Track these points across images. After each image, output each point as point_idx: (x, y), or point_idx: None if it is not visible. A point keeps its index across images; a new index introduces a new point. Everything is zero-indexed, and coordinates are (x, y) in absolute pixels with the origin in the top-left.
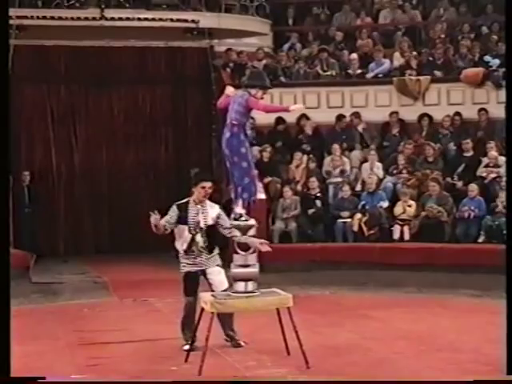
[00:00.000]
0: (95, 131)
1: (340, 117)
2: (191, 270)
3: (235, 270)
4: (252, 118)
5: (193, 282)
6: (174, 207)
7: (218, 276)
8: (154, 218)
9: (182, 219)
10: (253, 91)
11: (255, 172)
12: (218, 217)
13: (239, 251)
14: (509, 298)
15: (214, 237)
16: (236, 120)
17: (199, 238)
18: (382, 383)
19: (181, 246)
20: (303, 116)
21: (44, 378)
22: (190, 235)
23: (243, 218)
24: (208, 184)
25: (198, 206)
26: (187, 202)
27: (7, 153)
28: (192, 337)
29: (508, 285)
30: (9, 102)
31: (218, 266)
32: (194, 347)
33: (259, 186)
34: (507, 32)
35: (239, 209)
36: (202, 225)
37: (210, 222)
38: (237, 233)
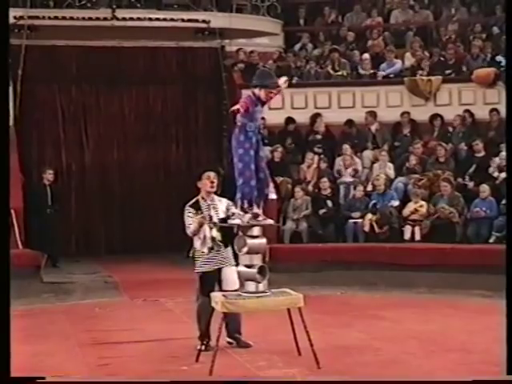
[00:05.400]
0: (106, 131)
1: (349, 122)
2: (208, 270)
3: (240, 269)
4: (263, 118)
5: (209, 282)
6: (189, 208)
7: (231, 276)
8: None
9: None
10: (256, 91)
11: (254, 174)
12: (228, 208)
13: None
14: (508, 298)
15: (227, 231)
16: (239, 121)
17: (215, 233)
18: (386, 383)
19: (202, 244)
20: (318, 115)
21: (44, 377)
22: (210, 231)
23: (233, 217)
24: (212, 174)
25: (208, 202)
26: (197, 201)
27: (7, 153)
28: (207, 335)
29: (508, 285)
30: (9, 101)
31: (233, 265)
32: (209, 347)
33: (270, 187)
34: (507, 31)
35: (233, 208)
36: (214, 219)
37: (222, 215)
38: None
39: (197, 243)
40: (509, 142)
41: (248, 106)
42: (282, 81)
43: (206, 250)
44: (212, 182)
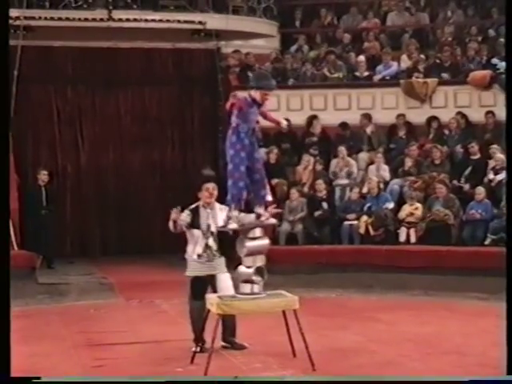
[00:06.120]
0: (102, 132)
1: (343, 124)
2: (200, 275)
3: (240, 270)
4: (257, 122)
5: (201, 286)
6: (187, 211)
7: (226, 282)
8: (175, 211)
9: (195, 223)
10: (252, 92)
11: (243, 176)
12: (229, 217)
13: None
14: (509, 299)
15: (225, 240)
16: (233, 121)
17: (212, 243)
18: (382, 383)
19: (193, 250)
20: (314, 117)
21: (39, 377)
22: (204, 240)
23: (230, 221)
24: (211, 185)
25: (208, 210)
26: (197, 207)
27: (7, 153)
28: (201, 339)
29: (508, 285)
30: (9, 102)
31: (226, 272)
32: (204, 349)
33: (267, 188)
34: (507, 34)
35: (229, 211)
36: (212, 228)
37: (221, 224)
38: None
39: (189, 248)
40: (509, 144)
41: (241, 107)
42: (284, 124)
43: (195, 257)
44: (211, 194)
